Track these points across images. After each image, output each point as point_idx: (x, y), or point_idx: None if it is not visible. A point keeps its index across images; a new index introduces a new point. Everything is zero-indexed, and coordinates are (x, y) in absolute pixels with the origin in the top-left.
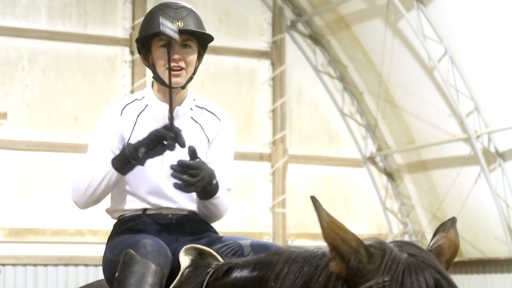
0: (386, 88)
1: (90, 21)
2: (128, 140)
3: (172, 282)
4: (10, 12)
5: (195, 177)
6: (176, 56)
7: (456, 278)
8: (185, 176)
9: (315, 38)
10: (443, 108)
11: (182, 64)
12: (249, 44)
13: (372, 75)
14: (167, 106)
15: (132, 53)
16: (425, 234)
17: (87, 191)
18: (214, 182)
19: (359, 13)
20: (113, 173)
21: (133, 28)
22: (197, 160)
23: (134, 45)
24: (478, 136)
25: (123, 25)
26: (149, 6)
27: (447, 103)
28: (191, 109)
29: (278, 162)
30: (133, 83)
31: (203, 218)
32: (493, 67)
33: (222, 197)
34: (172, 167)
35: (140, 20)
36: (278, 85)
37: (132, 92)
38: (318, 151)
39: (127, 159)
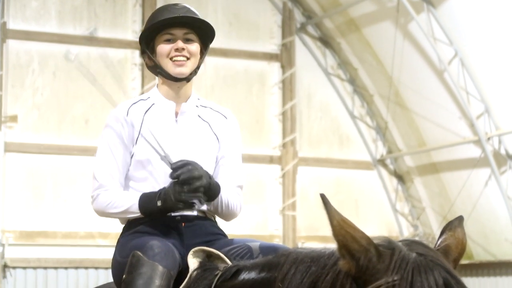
0: (396, 90)
1: (100, 24)
2: (137, 139)
3: (180, 285)
4: (21, 16)
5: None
6: (180, 45)
7: (466, 281)
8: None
9: (325, 41)
10: (453, 111)
11: (186, 53)
12: (259, 46)
13: (382, 78)
14: (173, 104)
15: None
16: (435, 237)
17: (104, 210)
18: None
19: (369, 15)
20: (137, 213)
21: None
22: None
23: None
24: (489, 139)
25: (133, 28)
26: None
27: (457, 105)
28: (197, 106)
29: (288, 164)
30: (143, 86)
31: (220, 217)
32: (503, 69)
33: (232, 195)
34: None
35: None
36: (288, 88)
37: None
38: (328, 153)
39: (161, 211)
